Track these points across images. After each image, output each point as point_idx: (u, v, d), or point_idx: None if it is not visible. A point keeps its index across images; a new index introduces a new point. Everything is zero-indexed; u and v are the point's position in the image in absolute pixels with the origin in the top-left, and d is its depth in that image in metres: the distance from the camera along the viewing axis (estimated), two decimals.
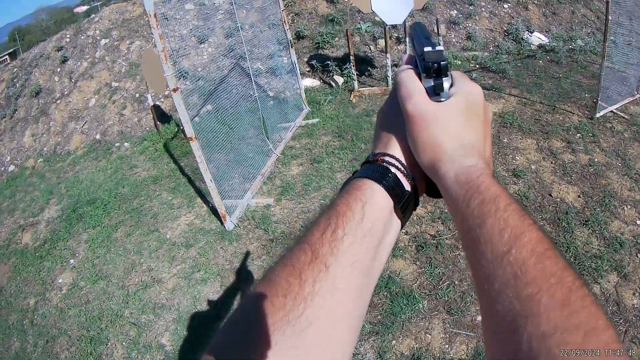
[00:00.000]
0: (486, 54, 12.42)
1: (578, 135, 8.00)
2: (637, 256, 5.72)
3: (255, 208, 7.30)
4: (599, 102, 8.55)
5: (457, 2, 13.77)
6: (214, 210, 7.20)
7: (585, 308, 0.58)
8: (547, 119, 8.52)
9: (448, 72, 0.91)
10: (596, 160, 7.36)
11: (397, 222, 0.90)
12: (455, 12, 13.60)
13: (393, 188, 0.87)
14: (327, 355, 0.72)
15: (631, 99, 9.63)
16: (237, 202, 7.36)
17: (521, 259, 0.65)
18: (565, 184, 6.85)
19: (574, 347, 0.54)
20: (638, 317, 4.99)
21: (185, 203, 7.95)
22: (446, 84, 0.90)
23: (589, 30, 13.69)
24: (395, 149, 0.94)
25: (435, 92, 0.89)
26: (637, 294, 5.28)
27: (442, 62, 0.90)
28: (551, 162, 7.27)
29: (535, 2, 13.99)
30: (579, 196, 6.62)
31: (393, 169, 0.90)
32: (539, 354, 0.56)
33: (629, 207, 6.49)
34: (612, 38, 10.11)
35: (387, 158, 0.92)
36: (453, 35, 13.11)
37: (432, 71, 0.90)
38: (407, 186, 0.90)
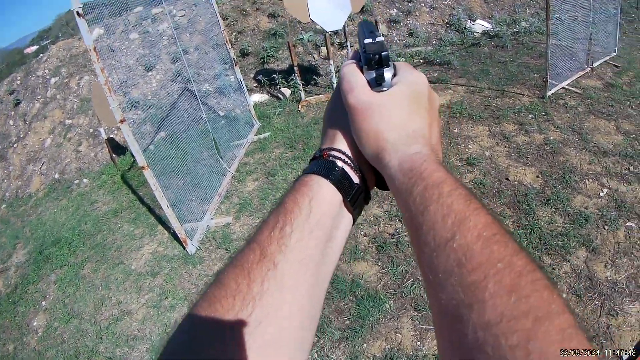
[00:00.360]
0: (429, 47, 12.50)
1: (530, 115, 8.10)
2: (604, 228, 5.82)
3: (215, 228, 7.30)
4: (549, 80, 8.67)
5: (396, 0, 13.88)
6: (175, 236, 7.17)
7: (536, 292, 0.55)
8: (497, 104, 8.62)
9: (390, 62, 0.91)
10: (551, 138, 7.46)
11: (348, 217, 0.89)
12: (395, 10, 13.72)
13: (340, 182, 0.87)
14: (279, 353, 0.71)
15: (582, 72, 9.79)
16: (197, 225, 7.35)
17: (465, 245, 0.63)
18: (521, 165, 6.91)
19: (523, 335, 0.52)
20: (613, 289, 5.06)
21: (147, 232, 7.90)
22: (387, 74, 0.90)
23: (533, 10, 13.89)
24: (341, 143, 0.94)
25: (377, 83, 0.89)
26: (609, 266, 5.36)
27: (382, 53, 0.90)
28: (505, 146, 7.34)
29: None
30: (537, 176, 6.69)
31: (340, 163, 0.90)
32: (485, 343, 0.54)
33: (590, 180, 6.58)
34: (557, 15, 10.24)
35: (333, 152, 0.92)
36: (395, 34, 13.24)
37: (374, 62, 0.90)
38: (356, 179, 0.90)
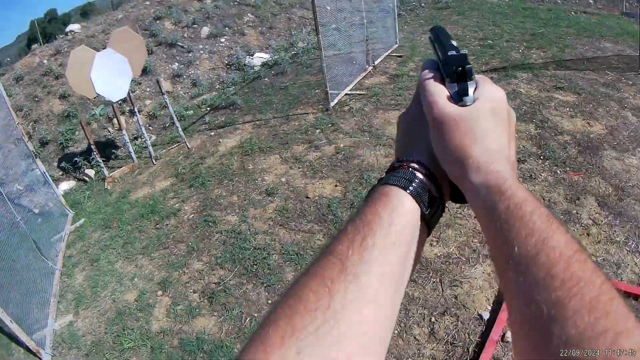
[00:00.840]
0: (214, 93, 12.53)
1: (317, 131, 8.28)
2: None
3: (61, 330, 6.88)
4: (330, 92, 8.87)
5: (176, 54, 13.90)
6: (29, 349, 6.72)
7: (614, 310, 0.57)
8: (284, 130, 8.75)
9: (472, 76, 0.89)
10: (342, 145, 7.70)
11: (424, 229, 0.86)
12: (177, 64, 13.72)
13: (420, 194, 0.85)
14: None
15: (364, 74, 10.10)
16: (45, 332, 6.90)
17: (549, 263, 0.64)
18: (318, 180, 7.06)
19: (603, 351, 0.53)
20: (447, 262, 5.43)
21: (3, 354, 7.44)
22: (471, 88, 0.88)
23: (309, 29, 14.26)
24: (419, 154, 0.92)
25: (459, 97, 0.87)
26: (435, 244, 5.72)
27: (466, 66, 0.88)
28: (299, 168, 7.46)
29: (251, 24, 14.35)
30: (335, 186, 6.85)
31: (420, 175, 0.87)
32: (567, 358, 0.55)
33: (378, 173, 6.81)
34: (333, 26, 10.45)
35: (412, 164, 0.89)
36: (180, 88, 13.23)
37: (456, 75, 0.88)
38: (434, 191, 0.87)
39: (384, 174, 0.91)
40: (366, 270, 0.71)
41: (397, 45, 11.95)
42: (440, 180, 0.88)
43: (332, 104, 8.84)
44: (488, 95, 0.87)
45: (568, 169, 6.88)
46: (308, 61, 12.03)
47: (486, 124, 0.84)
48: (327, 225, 6.18)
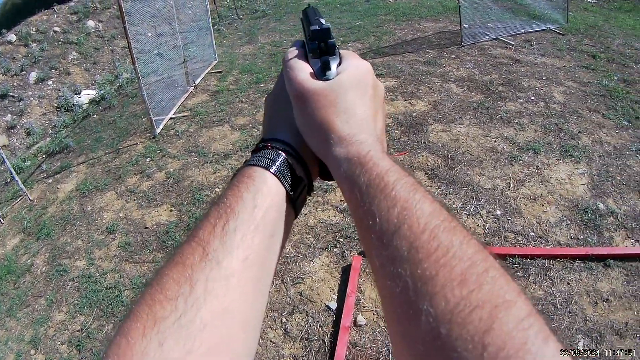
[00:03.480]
0: (48, 139, 12.23)
1: (147, 159, 8.33)
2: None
3: None
4: (154, 119, 8.91)
5: (8, 105, 13.41)
6: None
7: (490, 281, 0.55)
8: (116, 165, 8.73)
9: (335, 51, 0.90)
10: (171, 170, 7.81)
11: (290, 210, 0.86)
12: (10, 115, 13.24)
13: (284, 174, 0.85)
14: (226, 356, 0.65)
15: (186, 95, 10.34)
16: None
17: (412, 236, 0.62)
18: (154, 208, 7.16)
19: (479, 326, 0.51)
20: (286, 263, 5.66)
21: None
22: (333, 62, 0.88)
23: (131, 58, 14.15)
24: (284, 133, 0.93)
25: (322, 72, 0.87)
26: None
27: (329, 41, 0.89)
28: (134, 200, 7.51)
29: (75, 62, 14.14)
30: (171, 211, 6.97)
31: (283, 154, 0.87)
32: (439, 335, 0.53)
33: (209, 191, 7.09)
34: (156, 51, 10.51)
35: (276, 143, 0.90)
36: (15, 140, 12.76)
37: (319, 50, 0.89)
38: (299, 171, 0.88)
39: (250, 153, 0.92)
40: (228, 255, 0.71)
41: (216, 62, 12.14)
42: (307, 159, 0.91)
43: (157, 130, 8.92)
44: (351, 68, 0.89)
45: (392, 150, 7.19)
46: (133, 91, 11.96)
47: (349, 97, 0.86)
48: (169, 251, 6.25)
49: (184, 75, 10.84)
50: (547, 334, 0.51)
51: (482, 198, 6.42)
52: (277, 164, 0.85)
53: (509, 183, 6.77)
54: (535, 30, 13.05)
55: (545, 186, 6.80)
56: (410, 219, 0.64)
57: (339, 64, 0.90)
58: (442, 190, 6.47)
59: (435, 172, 6.75)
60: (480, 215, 6.15)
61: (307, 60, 0.92)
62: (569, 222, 6.19)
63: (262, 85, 10.28)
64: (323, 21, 0.94)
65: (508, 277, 0.57)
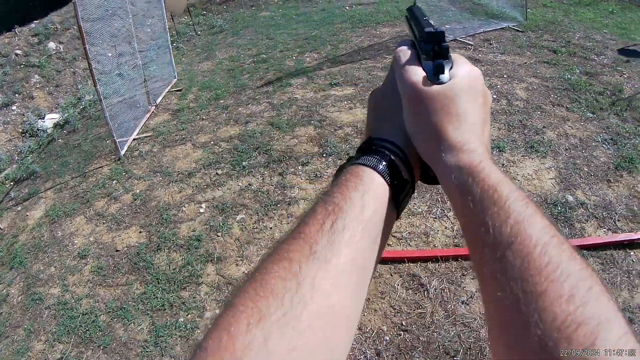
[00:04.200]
0: (15, 166, 12.14)
1: (114, 182, 8.39)
2: (217, 235, 6.56)
3: None
4: (118, 141, 8.94)
5: None
6: None
7: (594, 298, 0.58)
8: (83, 189, 8.73)
9: (449, 54, 0.90)
10: (138, 191, 7.89)
11: (393, 211, 0.87)
12: None
13: (391, 176, 0.85)
14: (326, 356, 0.67)
15: (148, 115, 10.26)
16: None
17: (525, 250, 0.64)
18: (124, 230, 7.22)
19: (584, 341, 0.54)
20: None
21: None
22: (447, 66, 0.88)
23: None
24: (391, 134, 0.93)
25: (435, 75, 0.88)
26: (240, 263, 6.07)
27: (443, 44, 0.89)
28: (103, 223, 7.56)
29: (38, 85, 14.04)
30: (140, 232, 7.06)
31: (391, 155, 0.88)
32: (545, 348, 0.56)
33: (187, 205, 7.24)
34: (117, 72, 10.54)
35: (384, 143, 0.90)
36: None
37: (433, 53, 0.90)
38: (405, 173, 0.88)
39: (355, 152, 0.94)
40: (336, 254, 0.72)
41: (176, 80, 12.20)
42: (411, 161, 0.90)
43: (122, 152, 8.97)
44: (464, 74, 0.89)
45: None
46: (96, 113, 11.88)
47: (462, 103, 0.86)
48: (141, 273, 6.36)
49: (145, 95, 10.88)
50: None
51: (447, 200, 6.37)
52: (384, 165, 0.85)
53: None
54: (494, 29, 13.17)
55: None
56: (523, 233, 0.66)
57: (451, 68, 0.90)
58: None
59: None
60: (447, 217, 6.27)
61: (419, 61, 0.93)
62: None
63: (221, 101, 10.40)
64: (432, 21, 0.96)
65: (609, 295, 0.60)
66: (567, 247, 0.64)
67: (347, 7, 16.58)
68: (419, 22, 0.99)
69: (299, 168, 7.48)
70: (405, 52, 0.95)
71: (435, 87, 0.86)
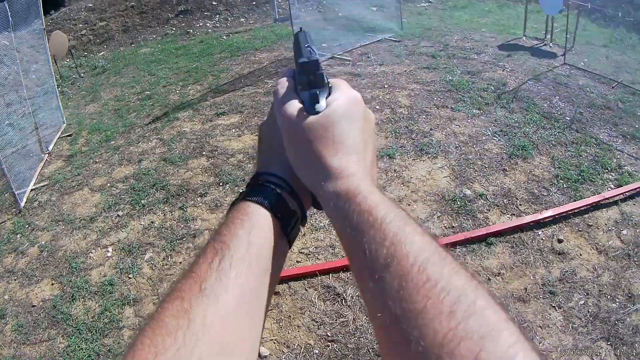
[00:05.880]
0: None
1: (18, 236, 8.22)
2: (130, 276, 6.59)
3: None
4: (16, 193, 8.75)
5: None
6: None
7: (478, 311, 0.58)
8: None
9: (324, 82, 0.91)
10: (43, 242, 7.79)
11: (284, 242, 0.90)
12: None
13: (278, 209, 0.88)
14: None
15: (42, 163, 10.08)
16: None
17: (402, 270, 0.64)
18: (35, 285, 7.09)
19: (467, 356, 0.53)
20: None
21: None
22: (322, 94, 0.89)
23: None
24: (276, 167, 0.94)
25: (311, 105, 0.89)
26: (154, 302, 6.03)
27: (317, 72, 0.91)
28: (15, 280, 7.35)
29: None
30: (52, 284, 6.97)
31: (277, 189, 0.90)
32: None
33: (94, 251, 7.19)
34: (6, 122, 10.13)
35: (270, 177, 0.92)
36: None
37: (308, 83, 0.91)
38: (293, 204, 0.91)
39: (245, 187, 0.95)
40: (224, 292, 0.73)
41: (65, 125, 12.03)
42: (299, 191, 0.93)
43: (22, 204, 8.82)
44: (341, 100, 0.90)
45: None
46: None
47: (338, 129, 0.87)
48: (61, 326, 6.25)
49: (37, 144, 10.68)
50: (534, 358, 0.55)
51: None
52: (270, 199, 0.88)
53: None
54: (371, 43, 13.59)
55: (408, 187, 7.24)
56: (400, 253, 0.66)
57: (329, 94, 0.91)
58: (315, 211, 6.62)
59: None
60: None
61: (296, 92, 0.93)
62: (439, 214, 6.70)
63: (112, 142, 10.35)
64: (314, 49, 0.97)
65: (496, 306, 0.60)
66: (450, 262, 0.65)
67: (224, 37, 16.70)
68: (297, 51, 1.01)
69: (198, 200, 7.64)
70: (283, 84, 0.97)
71: (310, 118, 0.88)
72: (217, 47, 15.60)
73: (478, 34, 13.87)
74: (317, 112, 0.88)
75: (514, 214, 6.58)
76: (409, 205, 6.84)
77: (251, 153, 8.52)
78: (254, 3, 19.39)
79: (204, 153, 8.87)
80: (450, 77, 10.77)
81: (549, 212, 6.50)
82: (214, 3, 19.17)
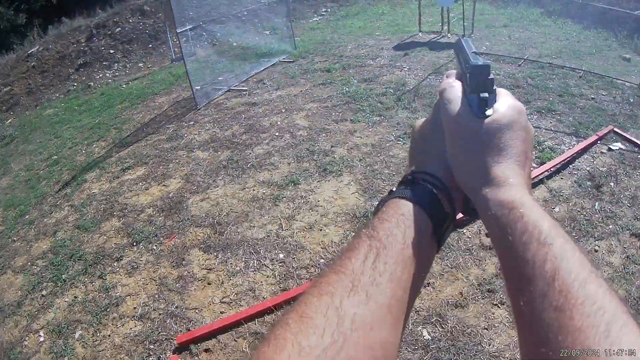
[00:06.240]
0: None
1: None
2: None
3: None
4: None
5: None
6: None
7: (628, 333, 0.59)
8: None
9: (494, 88, 0.91)
10: None
11: (434, 244, 0.89)
12: None
13: (434, 210, 0.87)
14: None
15: None
16: None
17: (565, 285, 0.65)
18: None
19: None
20: None
21: None
22: (491, 100, 0.90)
23: None
24: (434, 167, 0.93)
25: (480, 110, 0.89)
26: None
27: (488, 78, 0.90)
28: None
29: None
30: None
31: (434, 189, 0.89)
32: None
33: (20, 347, 6.81)
34: None
35: (426, 176, 0.92)
36: None
37: (478, 87, 0.90)
38: (447, 206, 0.90)
39: (397, 185, 0.95)
40: (378, 291, 0.73)
41: None
42: (452, 193, 0.92)
43: None
44: (507, 108, 0.90)
45: (162, 239, 7.30)
46: None
47: (504, 138, 0.87)
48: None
49: None
50: None
51: (260, 250, 6.51)
52: (427, 199, 0.88)
53: (281, 224, 6.91)
54: (265, 68, 13.50)
55: (317, 211, 7.04)
56: (563, 269, 0.67)
57: (495, 101, 0.91)
58: (220, 258, 6.49)
59: (208, 243, 6.81)
60: (265, 266, 6.25)
61: (464, 94, 0.94)
62: (353, 233, 6.33)
63: (27, 216, 10.06)
64: (478, 54, 0.97)
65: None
66: (604, 282, 0.66)
67: (123, 86, 16.38)
68: (464, 56, 1.00)
69: (115, 265, 7.42)
70: (450, 85, 0.97)
71: (479, 122, 0.88)
72: (118, 97, 15.25)
73: (372, 38, 14.00)
74: (486, 117, 0.89)
75: None
76: (320, 230, 6.67)
77: (160, 205, 8.32)
78: (151, 46, 19.32)
79: (114, 213, 8.61)
80: (347, 89, 10.78)
81: None
82: (111, 52, 18.97)
